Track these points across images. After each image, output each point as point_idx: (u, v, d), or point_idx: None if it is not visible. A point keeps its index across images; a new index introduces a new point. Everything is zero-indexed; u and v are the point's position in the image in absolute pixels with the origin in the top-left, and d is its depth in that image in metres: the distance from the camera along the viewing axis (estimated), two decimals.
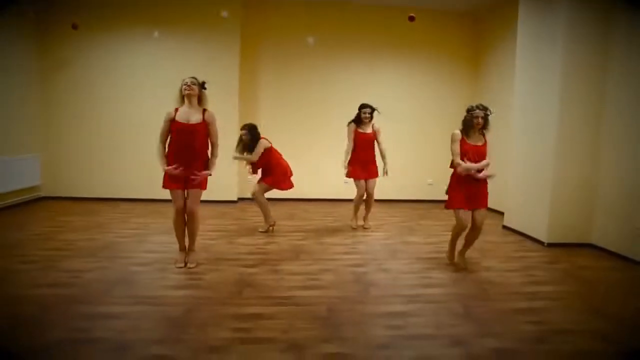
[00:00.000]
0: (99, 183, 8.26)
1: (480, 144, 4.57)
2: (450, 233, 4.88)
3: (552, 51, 5.76)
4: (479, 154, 4.54)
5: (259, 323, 3.33)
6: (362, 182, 6.31)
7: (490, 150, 4.64)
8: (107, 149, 8.25)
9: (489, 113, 4.55)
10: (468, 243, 4.79)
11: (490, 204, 4.75)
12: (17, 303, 3.59)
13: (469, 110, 4.58)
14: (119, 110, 8.20)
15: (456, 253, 4.89)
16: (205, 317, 3.41)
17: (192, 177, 4.39)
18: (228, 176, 8.29)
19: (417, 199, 8.96)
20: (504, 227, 6.66)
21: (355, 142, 6.28)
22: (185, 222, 4.60)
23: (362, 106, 6.24)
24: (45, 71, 8.05)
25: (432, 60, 9.00)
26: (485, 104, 4.62)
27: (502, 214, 6.95)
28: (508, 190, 6.64)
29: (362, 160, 6.27)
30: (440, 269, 4.74)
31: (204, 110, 4.51)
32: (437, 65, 9.03)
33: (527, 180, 6.22)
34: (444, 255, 5.07)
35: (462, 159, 4.51)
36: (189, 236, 4.65)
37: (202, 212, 6.89)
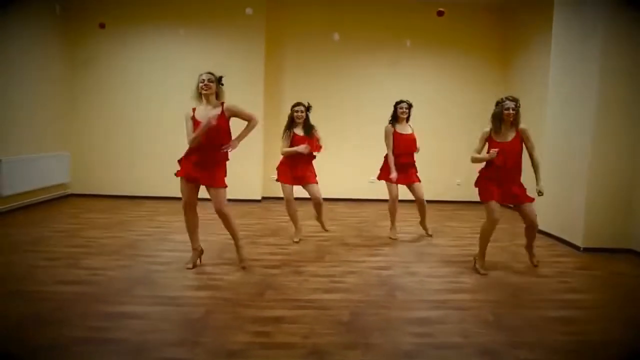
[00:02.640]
0: (126, 181, 8.31)
1: (510, 139, 4.40)
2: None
3: (591, 45, 5.48)
4: (508, 152, 4.36)
5: (279, 327, 3.23)
6: (395, 187, 5.74)
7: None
8: (134, 146, 8.30)
9: (519, 105, 4.38)
10: (529, 240, 4.71)
11: None
12: (37, 299, 3.57)
13: (498, 103, 4.42)
14: (146, 108, 8.25)
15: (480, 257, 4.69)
16: (225, 320, 3.33)
17: (226, 149, 4.22)
18: (252, 174, 8.26)
19: (445, 200, 8.73)
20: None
21: (394, 145, 5.72)
22: (196, 221, 4.47)
23: (398, 102, 5.75)
24: (74, 69, 8.14)
25: (459, 56, 8.77)
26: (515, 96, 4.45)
27: None
28: None
29: (403, 164, 5.72)
30: (468, 273, 4.56)
31: (222, 104, 4.29)
32: (465, 62, 8.80)
33: (561, 180, 5.94)
34: (472, 258, 4.87)
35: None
36: (231, 236, 4.53)
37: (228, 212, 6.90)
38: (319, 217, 5.79)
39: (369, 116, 8.47)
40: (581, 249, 5.47)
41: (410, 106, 5.74)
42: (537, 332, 3.26)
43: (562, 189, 5.91)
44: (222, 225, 4.47)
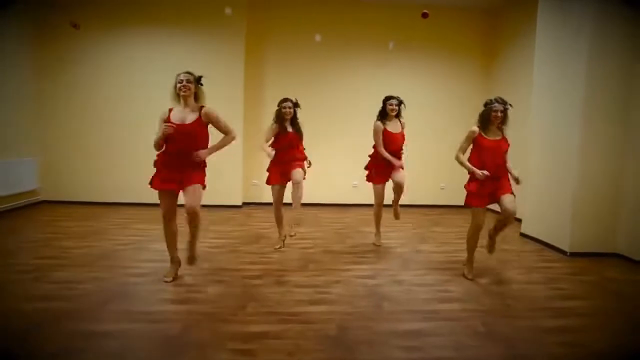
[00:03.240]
0: (100, 186, 8.03)
1: (498, 138, 4.33)
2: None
3: (576, 46, 5.45)
4: (497, 150, 4.28)
5: (262, 343, 3.05)
6: (382, 189, 5.54)
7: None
8: (108, 151, 8.02)
9: (508, 107, 4.31)
10: (497, 229, 4.50)
11: None
12: (1, 318, 3.32)
13: (486, 104, 4.35)
14: (119, 111, 7.97)
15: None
16: (205, 336, 3.13)
17: (195, 158, 3.96)
18: (233, 179, 8.04)
19: (429, 204, 8.65)
20: (522, 234, 6.34)
21: (383, 141, 5.40)
22: (176, 231, 4.19)
23: (388, 98, 5.43)
24: (43, 71, 7.82)
25: (444, 59, 8.70)
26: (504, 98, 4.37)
27: (519, 220, 6.62)
28: (526, 194, 6.32)
29: (389, 163, 5.39)
30: (456, 281, 4.44)
31: (201, 108, 4.04)
32: (449, 64, 8.73)
33: (547, 184, 5.89)
34: (460, 265, 4.79)
35: (479, 155, 4.32)
36: (189, 239, 4.20)
37: (204, 217, 6.71)
38: (293, 209, 5.39)
39: (352, 118, 8.35)
40: (568, 253, 5.40)
41: (400, 102, 5.46)
42: (532, 344, 3.14)
43: (548, 194, 5.85)
44: (200, 233, 4.27)
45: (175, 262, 4.30)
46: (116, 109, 7.97)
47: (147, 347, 2.97)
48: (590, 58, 5.28)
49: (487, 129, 4.34)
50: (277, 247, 5.42)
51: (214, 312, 3.54)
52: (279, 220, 5.47)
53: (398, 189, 5.47)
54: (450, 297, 4.01)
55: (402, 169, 5.47)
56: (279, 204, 5.38)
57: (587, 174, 5.37)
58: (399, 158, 5.48)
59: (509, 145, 4.37)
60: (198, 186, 4.01)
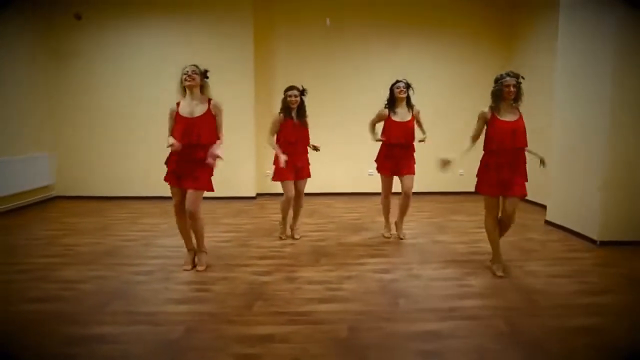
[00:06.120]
0: (112, 181, 7.90)
1: (515, 118, 3.99)
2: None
3: (602, 27, 5.03)
4: (514, 132, 3.94)
5: (268, 347, 2.84)
6: (389, 179, 5.32)
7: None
8: (122, 145, 7.88)
9: (520, 81, 3.97)
10: (501, 231, 4.28)
11: (530, 196, 4.24)
12: None
13: (497, 80, 4.00)
14: (131, 104, 7.80)
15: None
16: (207, 339, 2.94)
17: (208, 161, 4.02)
18: (245, 170, 7.85)
19: (447, 192, 8.34)
20: (547, 222, 6.00)
21: (386, 133, 5.21)
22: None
23: (394, 82, 5.13)
24: (54, 66, 7.68)
25: (460, 40, 8.30)
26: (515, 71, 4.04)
27: (544, 207, 6.29)
28: (551, 179, 5.96)
29: (395, 155, 5.18)
30: (477, 274, 4.17)
31: (209, 100, 4.14)
32: (466, 46, 8.33)
33: (574, 168, 5.52)
34: (482, 257, 4.55)
35: (493, 138, 4.03)
36: (195, 237, 4.32)
37: (216, 210, 6.58)
38: (294, 219, 5.47)
39: (367, 105, 7.99)
40: (597, 242, 5.07)
41: (408, 86, 5.13)
42: (561, 346, 2.87)
43: (575, 178, 5.49)
44: (210, 227, 4.26)
45: (190, 250, 4.39)
46: (127, 102, 7.80)
47: (145, 352, 2.78)
48: (618, 39, 4.87)
49: (501, 107, 4.01)
50: (284, 237, 5.37)
51: (219, 313, 3.35)
52: (286, 215, 5.35)
53: (405, 198, 5.22)
54: (472, 293, 3.74)
55: (412, 173, 5.24)
56: (291, 199, 5.17)
57: (617, 157, 5.00)
58: (409, 150, 5.24)
59: (524, 122, 4.04)
60: (199, 193, 4.13)
